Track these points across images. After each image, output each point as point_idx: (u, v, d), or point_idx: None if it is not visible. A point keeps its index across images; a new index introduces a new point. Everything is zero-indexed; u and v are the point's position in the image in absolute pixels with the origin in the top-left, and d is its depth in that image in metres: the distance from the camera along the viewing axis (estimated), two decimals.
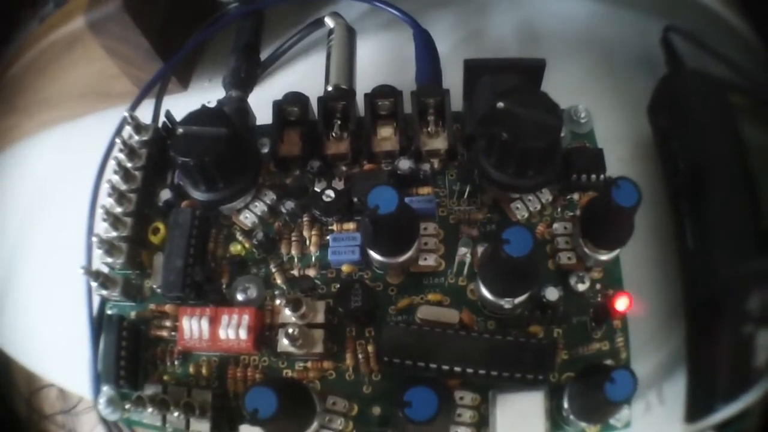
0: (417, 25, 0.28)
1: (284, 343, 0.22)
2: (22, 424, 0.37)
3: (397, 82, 0.27)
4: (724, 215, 0.27)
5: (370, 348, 0.23)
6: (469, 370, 0.22)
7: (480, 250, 0.24)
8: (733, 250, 0.26)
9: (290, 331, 0.22)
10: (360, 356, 0.23)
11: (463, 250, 0.24)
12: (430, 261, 0.24)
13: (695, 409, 0.26)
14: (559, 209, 0.25)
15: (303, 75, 0.32)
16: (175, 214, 0.26)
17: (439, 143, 0.25)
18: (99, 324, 0.27)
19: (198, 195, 0.25)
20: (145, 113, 0.31)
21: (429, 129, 0.25)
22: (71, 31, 0.32)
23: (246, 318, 0.24)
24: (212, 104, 0.31)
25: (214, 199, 0.25)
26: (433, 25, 0.30)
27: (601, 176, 0.25)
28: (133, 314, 0.26)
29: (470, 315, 0.24)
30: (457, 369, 0.22)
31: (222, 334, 0.24)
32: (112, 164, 0.28)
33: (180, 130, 0.24)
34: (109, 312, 0.27)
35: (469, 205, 0.25)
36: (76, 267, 0.32)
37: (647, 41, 0.32)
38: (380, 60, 0.31)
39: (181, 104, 0.30)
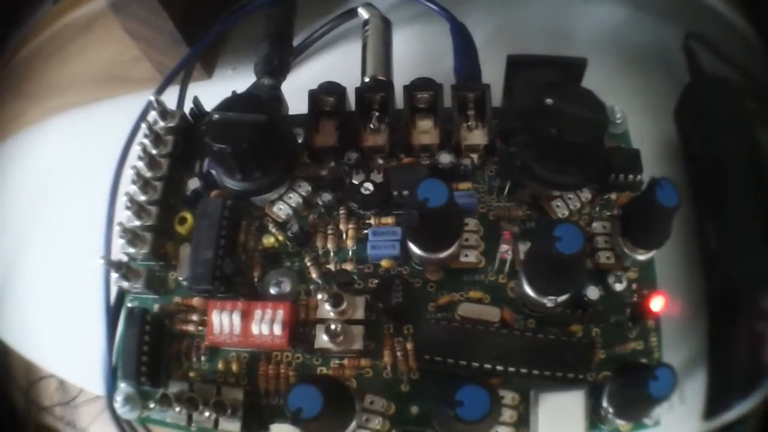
0: (453, 18, 0.27)
1: (323, 339, 0.21)
2: (20, 415, 0.35)
3: (431, 74, 0.26)
4: (744, 215, 0.27)
5: (408, 345, 0.22)
6: (511, 369, 0.21)
7: (521, 247, 0.23)
8: (752, 249, 0.26)
9: (332, 327, 0.21)
10: (398, 354, 0.22)
11: (504, 248, 0.23)
12: (471, 258, 0.23)
13: (713, 406, 0.26)
14: (597, 208, 0.25)
15: (332, 65, 0.30)
16: (204, 204, 0.24)
17: (479, 138, 0.24)
18: (115, 317, 0.26)
19: (231, 184, 0.23)
20: (167, 100, 0.29)
21: (469, 123, 0.24)
22: (90, 11, 0.30)
23: (281, 313, 0.22)
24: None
25: (248, 189, 0.23)
26: (462, 18, 0.28)
27: (638, 177, 0.25)
28: (156, 307, 0.25)
29: (511, 313, 0.22)
30: (499, 368, 0.21)
31: (255, 329, 0.22)
32: (135, 150, 0.26)
33: (215, 116, 0.22)
34: (129, 305, 0.25)
35: (508, 201, 0.24)
36: (85, 256, 0.30)
37: (671, 44, 0.32)
38: (413, 51, 0.30)
39: (205, 92, 0.28)
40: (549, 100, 0.22)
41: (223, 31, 0.29)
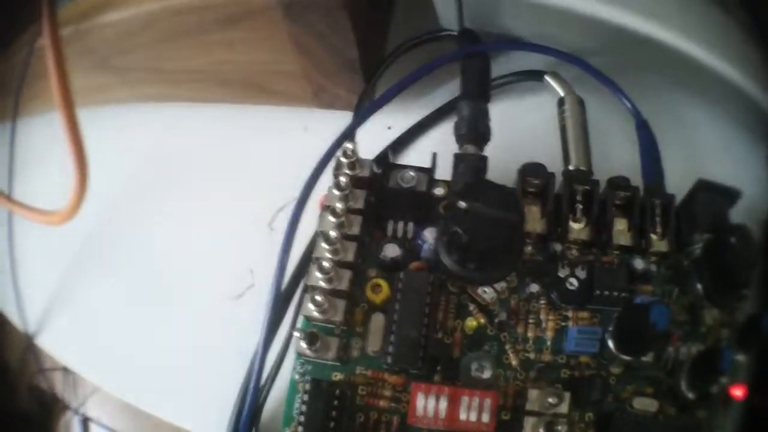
0: (641, 117, 0.27)
1: None
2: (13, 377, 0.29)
3: (612, 167, 0.26)
4: None
5: None
6: None
7: (682, 349, 0.25)
8: None
9: (559, 428, 0.21)
10: None
11: (671, 350, 0.25)
12: (648, 357, 0.24)
13: None
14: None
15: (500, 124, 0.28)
16: (409, 277, 0.22)
17: (663, 246, 0.25)
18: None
19: (455, 269, 0.21)
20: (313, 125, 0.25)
21: (656, 230, 0.25)
22: (246, 1, 0.24)
23: (488, 402, 0.21)
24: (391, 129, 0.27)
25: (475, 278, 0.21)
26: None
27: None
28: (337, 376, 0.22)
29: (664, 404, 0.25)
30: None
31: (462, 415, 0.21)
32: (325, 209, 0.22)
33: (462, 204, 0.20)
34: (301, 370, 0.22)
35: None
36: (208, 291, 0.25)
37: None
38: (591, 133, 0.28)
39: (346, 125, 0.25)
40: (733, 240, 0.24)
41: (420, 76, 0.25)
